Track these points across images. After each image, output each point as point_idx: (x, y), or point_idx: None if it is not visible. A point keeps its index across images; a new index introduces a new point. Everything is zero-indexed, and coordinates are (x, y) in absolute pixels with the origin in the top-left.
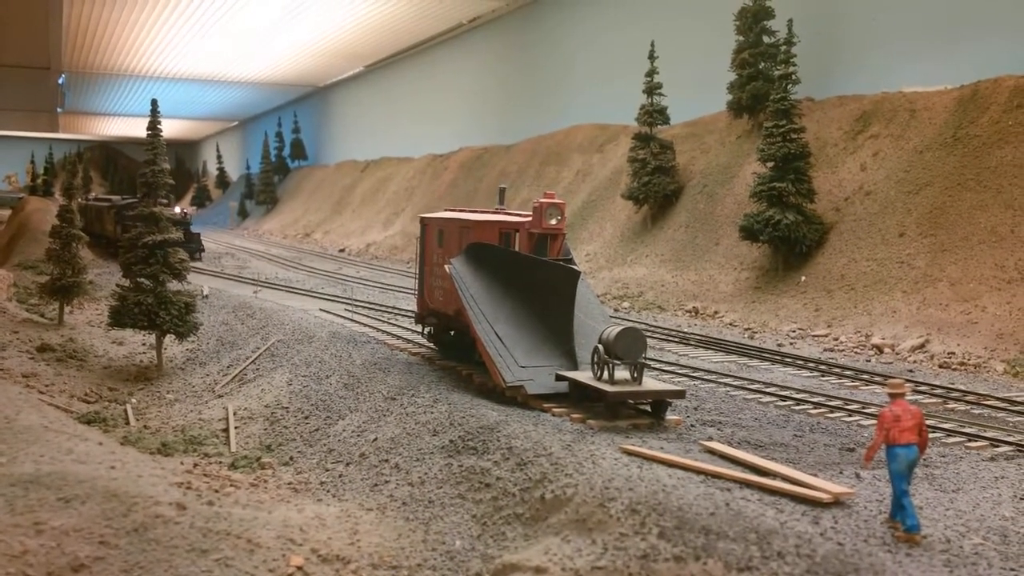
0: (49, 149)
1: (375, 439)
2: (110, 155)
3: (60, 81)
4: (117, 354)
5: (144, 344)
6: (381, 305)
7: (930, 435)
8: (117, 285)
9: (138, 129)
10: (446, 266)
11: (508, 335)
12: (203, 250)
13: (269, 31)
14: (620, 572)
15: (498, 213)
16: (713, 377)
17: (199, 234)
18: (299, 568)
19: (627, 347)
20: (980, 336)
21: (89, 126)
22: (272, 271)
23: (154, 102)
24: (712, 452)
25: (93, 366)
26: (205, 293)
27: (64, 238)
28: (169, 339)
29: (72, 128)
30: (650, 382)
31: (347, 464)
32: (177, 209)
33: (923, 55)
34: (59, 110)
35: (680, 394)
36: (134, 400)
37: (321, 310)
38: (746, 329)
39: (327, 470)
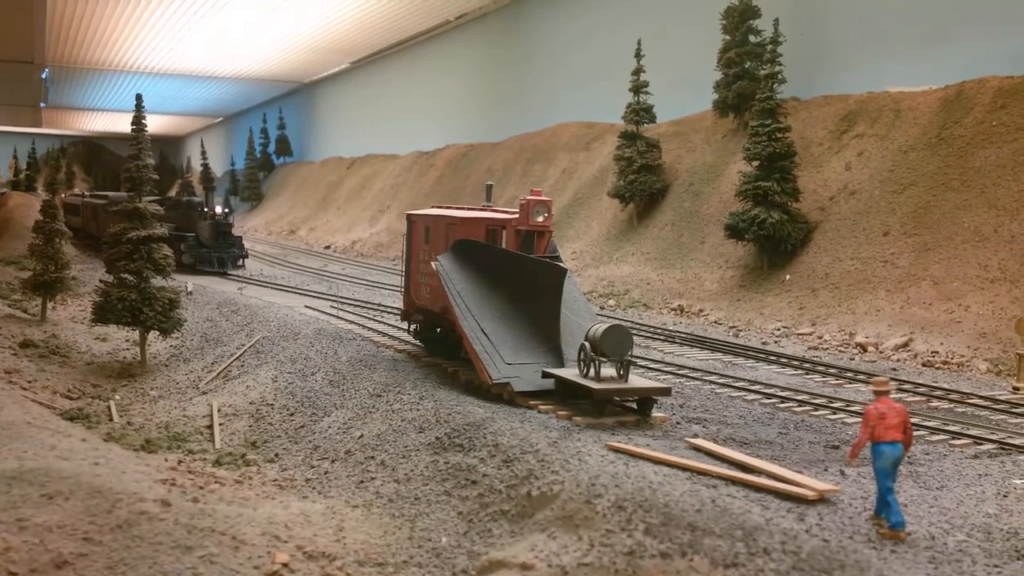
0: (32, 144)
1: (361, 436)
2: (93, 151)
3: (43, 76)
4: (100, 350)
5: (128, 340)
6: (367, 302)
7: (914, 433)
8: (101, 281)
9: (122, 124)
10: (433, 263)
11: (494, 332)
12: (247, 256)
13: (255, 26)
14: (606, 569)
15: (485, 210)
16: (698, 375)
17: (241, 237)
18: (284, 565)
19: (613, 345)
20: (963, 335)
21: (73, 121)
22: (257, 268)
23: (139, 97)
24: (698, 449)
25: (76, 362)
26: (189, 289)
27: (47, 233)
28: (153, 335)
29: (55, 123)
30: (636, 379)
31: (333, 461)
32: (218, 208)
33: (908, 55)
34: (42, 105)
35: (666, 391)
36: (117, 397)
37: (306, 307)
38: (731, 327)
39: (312, 467)
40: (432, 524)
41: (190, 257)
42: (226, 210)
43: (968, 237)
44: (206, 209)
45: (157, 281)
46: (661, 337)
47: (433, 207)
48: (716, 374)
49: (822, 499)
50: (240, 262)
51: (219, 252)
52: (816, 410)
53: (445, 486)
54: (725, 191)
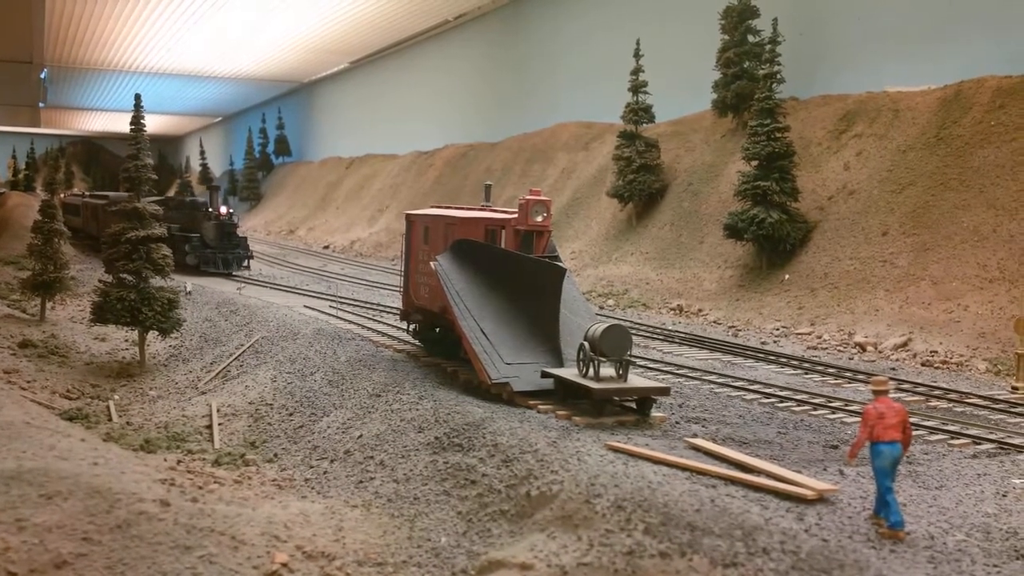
0: (31, 144)
1: (360, 436)
2: (92, 150)
3: (42, 75)
4: (99, 350)
5: (127, 340)
6: (366, 302)
7: (913, 432)
8: (100, 281)
9: (121, 124)
10: (432, 263)
11: (494, 332)
12: (252, 256)
13: (253, 26)
14: (606, 568)
15: (484, 210)
16: (698, 374)
17: (246, 238)
18: (284, 565)
19: (613, 344)
20: (962, 335)
21: (71, 121)
22: (256, 268)
23: (138, 97)
24: (697, 449)
25: (75, 362)
26: (188, 290)
27: (46, 233)
28: (152, 335)
29: (54, 123)
30: (635, 379)
31: (332, 461)
32: (223, 209)
33: (907, 55)
34: (41, 105)
35: (665, 391)
36: (116, 397)
37: (305, 307)
38: (730, 327)
39: (312, 467)
40: (431, 524)
41: (194, 258)
42: (230, 210)
43: (967, 237)
44: (210, 209)
45: (156, 281)
46: (660, 337)
47: (432, 207)
48: (715, 374)
49: (821, 499)
50: (245, 263)
51: (224, 253)
52: (815, 410)
53: (444, 486)
54: (724, 191)
